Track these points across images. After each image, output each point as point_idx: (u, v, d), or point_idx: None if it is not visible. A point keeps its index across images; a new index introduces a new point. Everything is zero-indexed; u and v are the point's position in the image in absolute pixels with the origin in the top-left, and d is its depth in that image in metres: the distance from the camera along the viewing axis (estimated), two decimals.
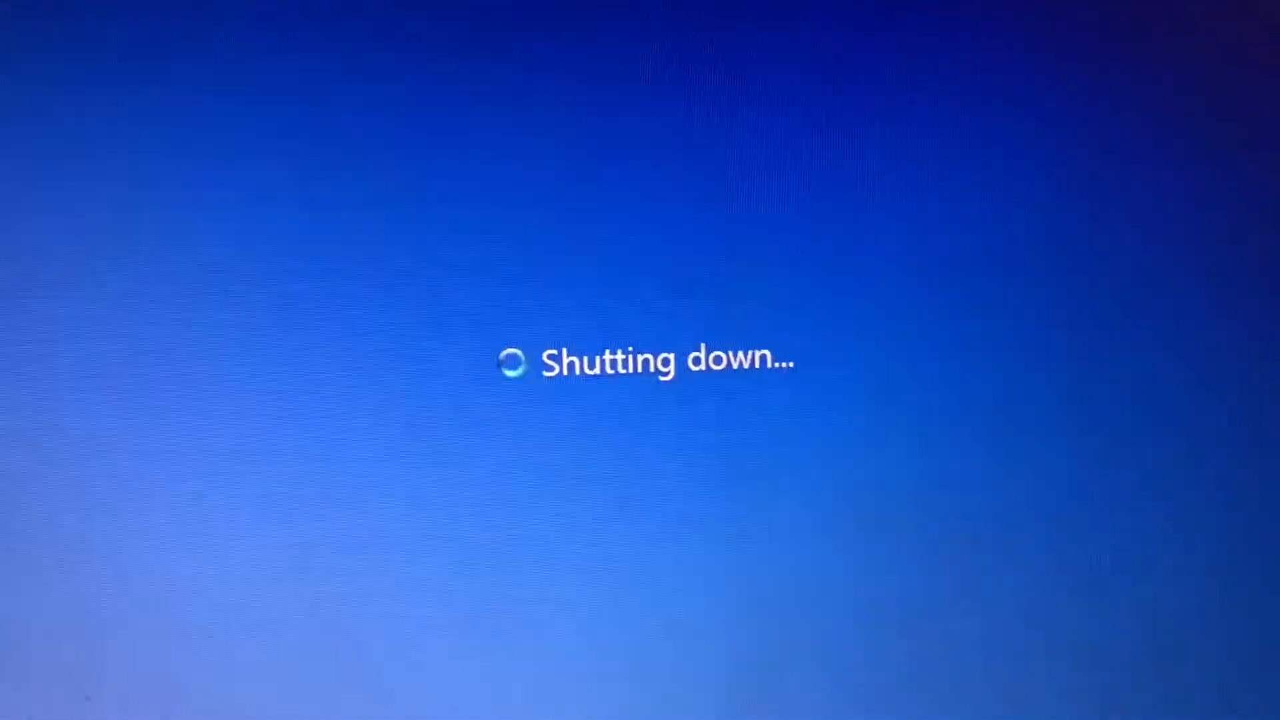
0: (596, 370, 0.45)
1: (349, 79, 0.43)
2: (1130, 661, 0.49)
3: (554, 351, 0.45)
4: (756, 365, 0.46)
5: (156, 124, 0.43)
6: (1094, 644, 0.49)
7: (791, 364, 0.46)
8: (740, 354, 0.46)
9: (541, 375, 0.45)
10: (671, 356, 0.45)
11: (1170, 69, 0.47)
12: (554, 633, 0.46)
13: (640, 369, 0.45)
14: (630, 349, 0.45)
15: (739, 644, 0.47)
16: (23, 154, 0.42)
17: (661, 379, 0.46)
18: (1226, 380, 0.48)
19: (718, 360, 0.46)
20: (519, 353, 0.45)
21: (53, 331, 0.43)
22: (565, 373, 0.45)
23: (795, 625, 0.47)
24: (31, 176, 0.42)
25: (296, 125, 0.43)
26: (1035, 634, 0.48)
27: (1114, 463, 0.48)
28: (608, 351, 0.45)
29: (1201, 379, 0.48)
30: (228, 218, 0.43)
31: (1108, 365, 0.48)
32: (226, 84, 0.43)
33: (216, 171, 0.43)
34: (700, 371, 0.46)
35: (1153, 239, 0.47)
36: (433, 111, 0.44)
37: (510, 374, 0.45)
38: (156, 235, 0.43)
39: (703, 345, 0.46)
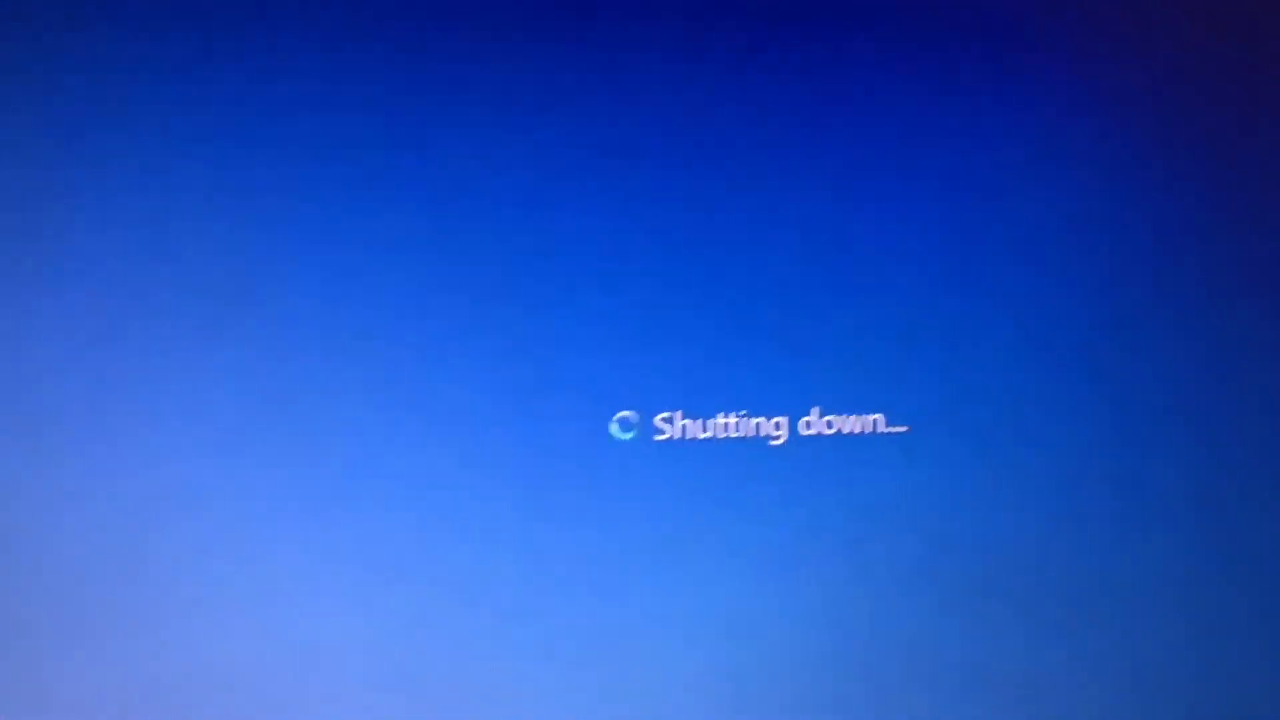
0: (708, 433, 0.45)
1: (460, 149, 0.45)
2: None
3: (667, 415, 0.45)
4: (870, 430, 0.45)
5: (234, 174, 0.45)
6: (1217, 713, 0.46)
7: (906, 428, 0.45)
8: (853, 418, 0.45)
9: (653, 439, 0.45)
10: (783, 420, 0.45)
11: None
12: (665, 697, 0.46)
13: (752, 432, 0.45)
14: (743, 412, 0.45)
15: (848, 710, 0.46)
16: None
17: (772, 443, 0.46)
18: None
19: (829, 425, 0.45)
20: (632, 415, 0.45)
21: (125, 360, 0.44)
22: (678, 435, 0.45)
23: (909, 692, 0.46)
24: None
25: (408, 188, 0.45)
26: (1152, 704, 0.46)
27: (1235, 535, 0.46)
28: (720, 415, 0.45)
29: None
30: (336, 276, 0.45)
31: (1225, 435, 0.46)
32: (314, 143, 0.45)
33: (324, 236, 0.45)
34: (811, 435, 0.45)
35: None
36: (545, 175, 0.45)
37: (623, 436, 0.45)
38: (259, 294, 0.45)
39: (815, 409, 0.45)
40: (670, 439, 0.45)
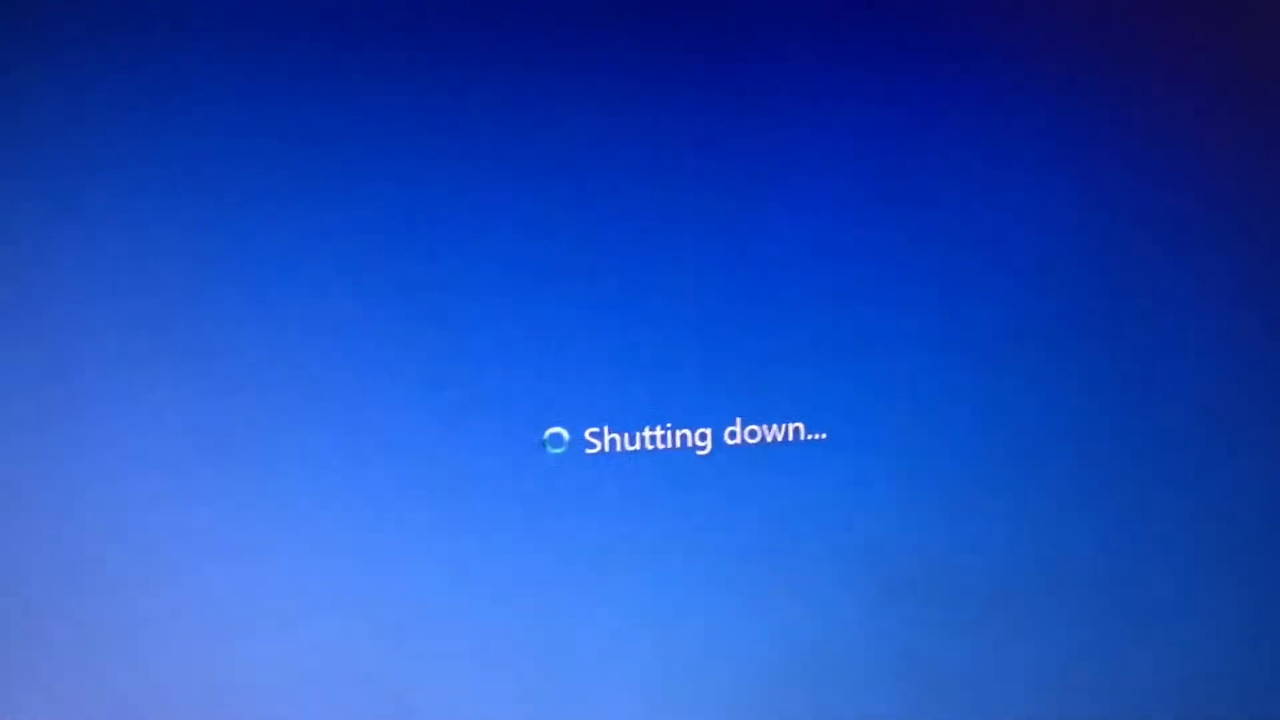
0: (636, 446, 0.47)
1: (400, 162, 0.46)
2: None
3: (596, 429, 0.47)
4: (791, 438, 0.47)
5: (207, 184, 0.45)
6: (1131, 701, 0.49)
7: (824, 435, 0.47)
8: (774, 427, 0.47)
9: (584, 452, 0.47)
10: (709, 431, 0.47)
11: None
12: (599, 707, 0.47)
13: (679, 444, 0.47)
14: (669, 424, 0.47)
15: (778, 714, 0.48)
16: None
17: (699, 453, 0.47)
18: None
19: (752, 434, 0.47)
20: (563, 431, 0.47)
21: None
22: (607, 449, 0.47)
23: (832, 694, 0.48)
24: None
25: (350, 207, 0.46)
26: (1073, 697, 0.49)
27: (1147, 532, 0.49)
28: (647, 427, 0.47)
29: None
30: (273, 300, 0.45)
31: (1143, 439, 0.49)
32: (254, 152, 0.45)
33: (269, 254, 0.45)
34: (736, 445, 0.47)
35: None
36: (470, 193, 0.46)
37: (554, 451, 0.47)
38: (212, 311, 0.45)
39: (738, 419, 0.47)
40: (600, 452, 0.47)
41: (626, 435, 0.47)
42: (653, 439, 0.47)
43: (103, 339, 0.44)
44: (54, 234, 0.44)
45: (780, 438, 0.47)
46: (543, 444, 0.47)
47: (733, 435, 0.47)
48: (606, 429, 0.47)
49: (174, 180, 0.44)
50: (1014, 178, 0.49)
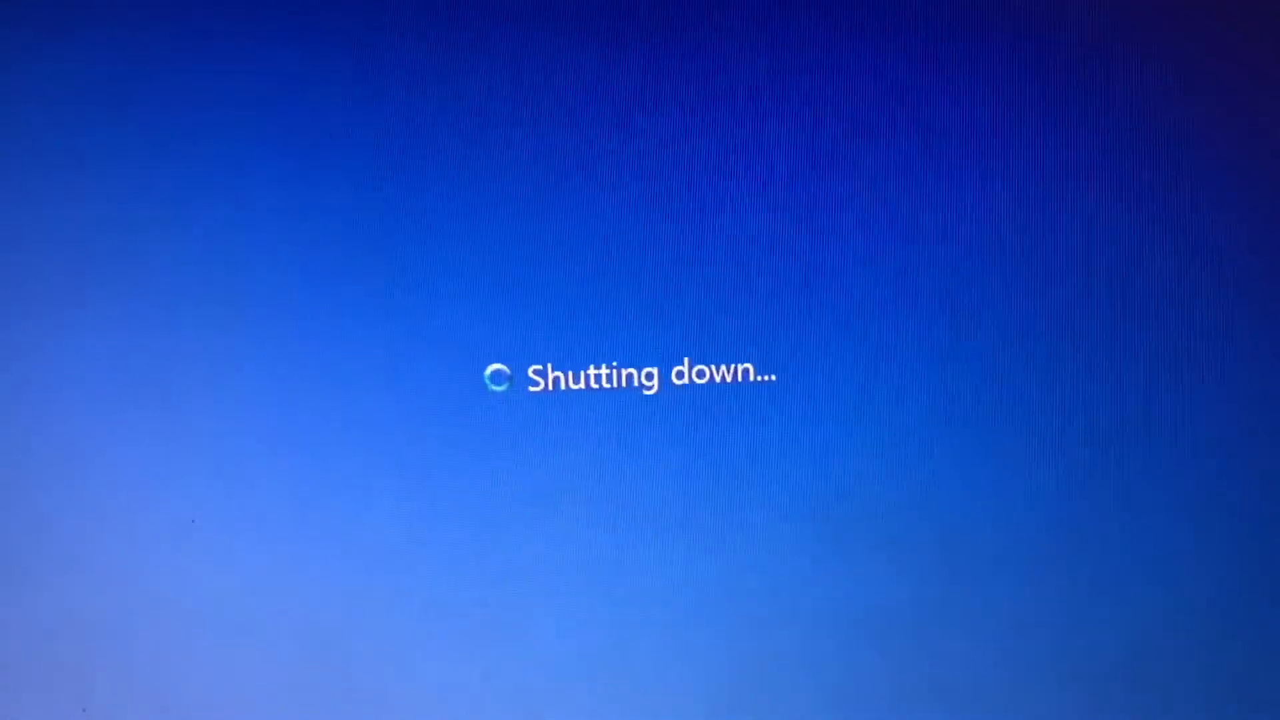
0: (581, 385, 0.46)
1: (338, 98, 0.44)
2: (1112, 671, 0.49)
3: (539, 366, 0.46)
4: (739, 379, 0.46)
5: (150, 131, 0.43)
6: (1078, 654, 0.49)
7: (773, 377, 0.46)
8: (723, 368, 0.46)
9: (527, 390, 0.46)
10: (655, 370, 0.46)
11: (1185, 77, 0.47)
12: (541, 644, 0.47)
13: (624, 383, 0.46)
14: (614, 363, 0.46)
15: (722, 654, 0.48)
16: (23, 161, 0.43)
17: (645, 393, 0.46)
18: (1212, 377, 0.48)
19: (700, 374, 0.46)
20: (504, 368, 0.46)
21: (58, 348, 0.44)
22: (550, 387, 0.46)
23: (778, 636, 0.48)
24: (30, 183, 0.43)
25: (286, 137, 0.44)
26: (1019, 644, 0.49)
27: (1099, 473, 0.48)
28: (592, 366, 0.46)
29: (1188, 381, 0.48)
30: (216, 231, 0.44)
31: (1091, 371, 0.48)
32: (218, 92, 0.43)
33: (208, 183, 0.44)
34: (683, 385, 0.46)
35: (1135, 228, 0.48)
36: (419, 125, 0.44)
37: (496, 389, 0.46)
38: (145, 246, 0.44)
39: (685, 359, 0.46)
40: (544, 390, 0.46)
41: (571, 374, 0.46)
42: (598, 378, 0.46)
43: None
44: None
45: (729, 378, 0.46)
46: (484, 381, 0.46)
47: (680, 375, 0.46)
48: (550, 366, 0.46)
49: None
50: (970, 111, 0.47)
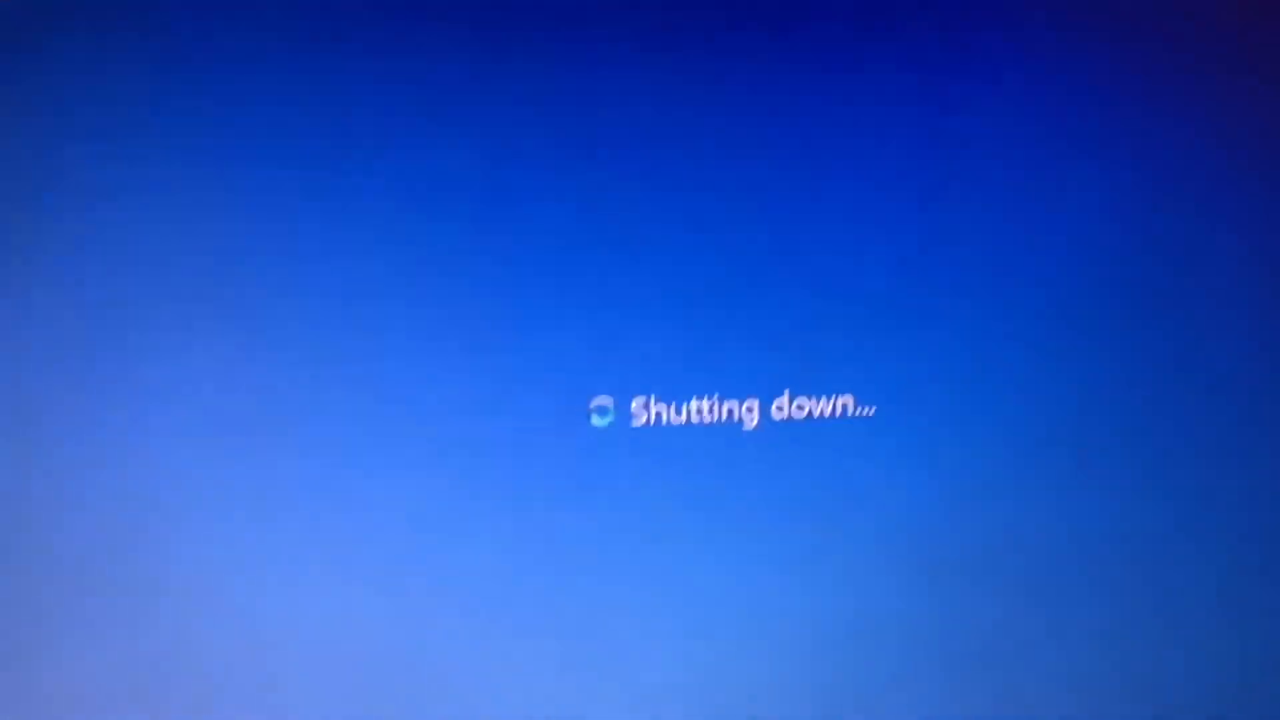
0: (683, 418, 0.46)
1: (430, 130, 0.46)
2: (1210, 706, 0.48)
3: (642, 399, 0.46)
4: (838, 412, 0.47)
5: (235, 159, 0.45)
6: (1169, 686, 0.48)
7: (873, 409, 0.47)
8: (823, 400, 0.47)
9: (629, 424, 0.46)
10: (755, 403, 0.47)
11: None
12: (639, 679, 0.47)
13: (725, 417, 0.47)
14: (716, 395, 0.47)
15: (817, 692, 0.47)
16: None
17: (745, 428, 0.47)
18: None
19: (800, 408, 0.47)
20: (608, 402, 0.46)
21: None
22: (652, 421, 0.46)
23: (869, 676, 0.47)
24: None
25: (382, 175, 0.46)
26: (1112, 680, 0.48)
27: (1196, 521, 0.48)
28: (694, 399, 0.46)
29: None
30: (315, 259, 0.45)
31: (1194, 425, 0.48)
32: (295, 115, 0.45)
33: (287, 221, 0.45)
34: (783, 420, 0.47)
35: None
36: (512, 164, 0.46)
37: (599, 422, 0.46)
38: (244, 275, 0.45)
39: (786, 391, 0.47)
40: (646, 424, 0.46)
41: (673, 406, 0.46)
42: (699, 411, 0.46)
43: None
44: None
45: (828, 412, 0.47)
46: (588, 415, 0.46)
47: (780, 409, 0.47)
48: (652, 400, 0.46)
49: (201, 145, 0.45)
50: (1074, 159, 0.48)
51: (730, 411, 0.47)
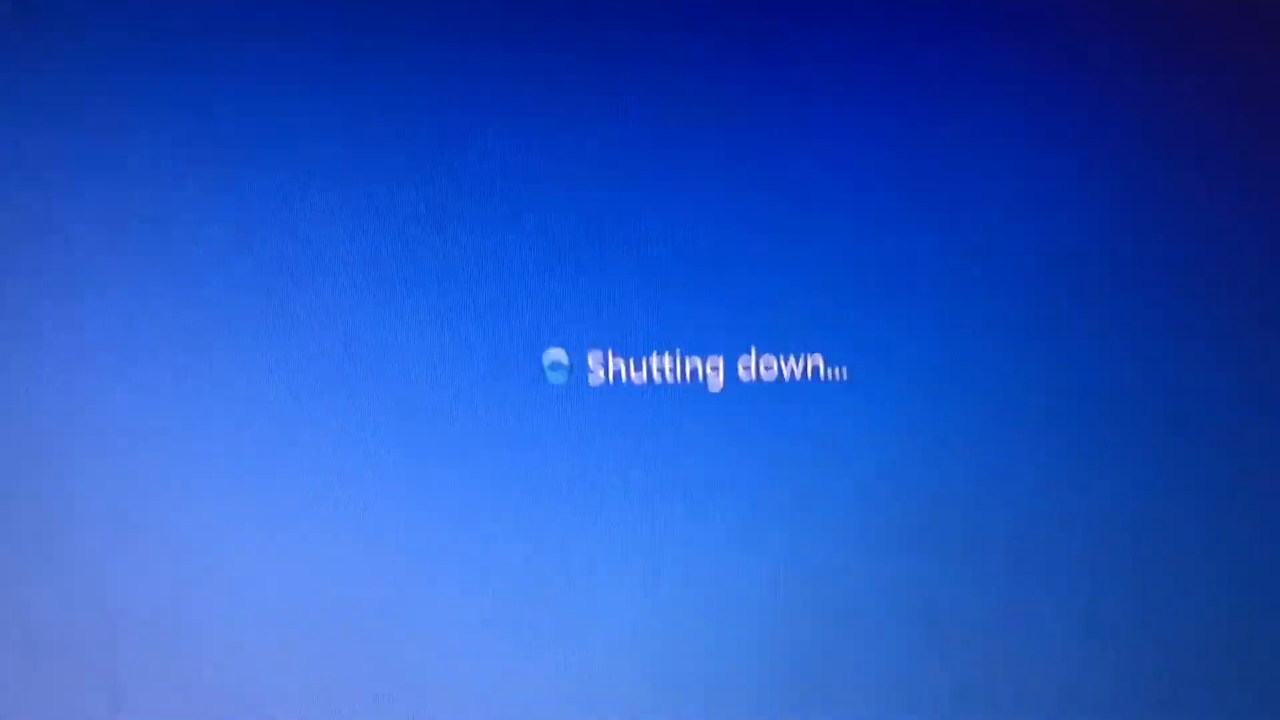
0: (643, 375, 0.44)
1: (380, 68, 0.43)
2: (1179, 676, 0.46)
3: (599, 354, 0.44)
4: (809, 374, 0.44)
5: (164, 121, 0.43)
6: (1144, 659, 0.46)
7: (844, 369, 0.44)
8: (791, 359, 0.44)
9: (587, 381, 0.44)
10: (720, 361, 0.44)
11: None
12: (594, 642, 0.44)
13: (688, 376, 0.44)
14: (678, 351, 0.44)
15: (781, 654, 0.45)
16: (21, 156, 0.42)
17: (710, 382, 0.44)
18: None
19: (768, 366, 0.44)
20: (564, 358, 0.44)
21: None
22: (610, 380, 0.44)
23: (837, 638, 0.45)
24: (35, 180, 0.42)
25: (327, 116, 0.43)
26: (1086, 647, 0.45)
27: (1174, 487, 0.46)
28: (654, 354, 0.44)
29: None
30: (260, 216, 0.43)
31: (1173, 376, 0.46)
32: (252, 71, 0.43)
33: (242, 167, 0.43)
34: (750, 378, 0.44)
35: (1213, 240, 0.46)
36: (470, 113, 0.44)
37: (555, 379, 0.44)
38: (164, 233, 0.43)
39: (752, 349, 0.44)
40: (604, 382, 0.44)
41: (632, 361, 0.44)
42: (660, 369, 0.44)
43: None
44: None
45: (797, 372, 0.44)
46: (543, 371, 0.44)
47: (747, 368, 0.44)
48: (610, 354, 0.44)
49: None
50: (1057, 124, 0.46)
51: (695, 370, 0.44)
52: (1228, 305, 0.46)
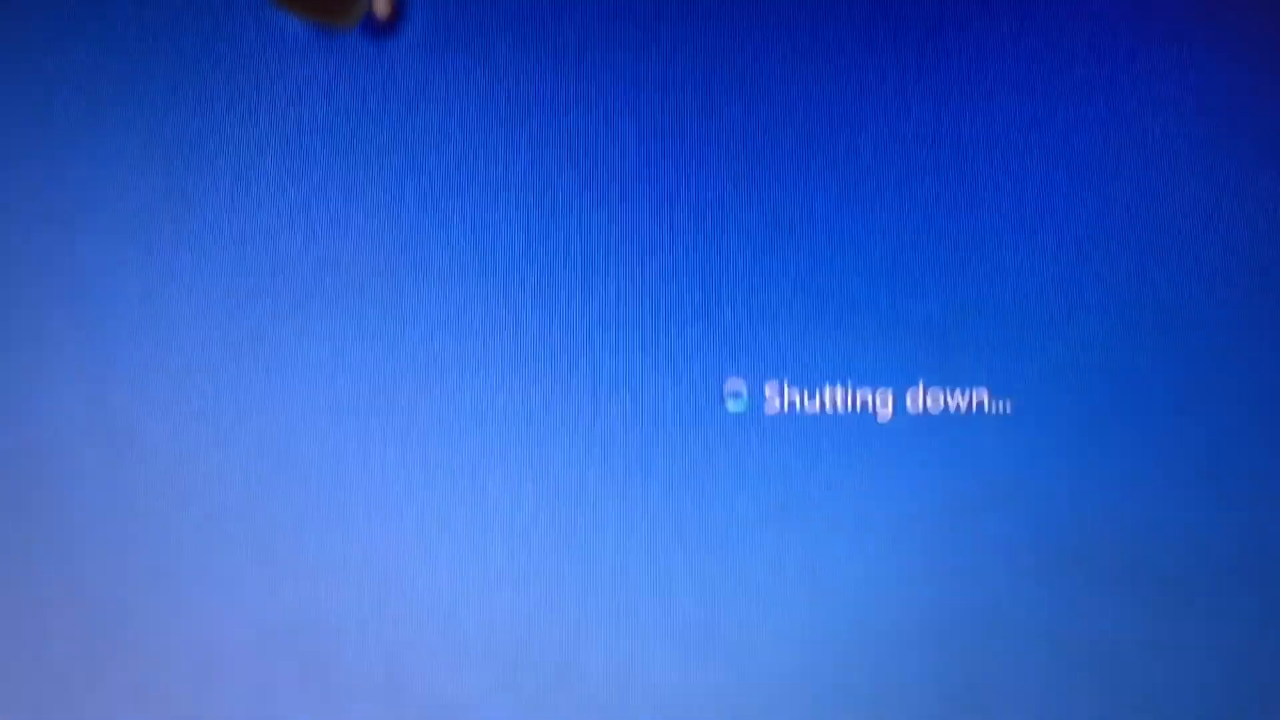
0: (816, 406, 0.47)
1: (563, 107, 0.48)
2: None
3: (775, 383, 0.47)
4: (974, 406, 0.47)
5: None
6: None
7: (1010, 403, 0.46)
8: (958, 392, 0.47)
9: (763, 410, 0.47)
10: (890, 393, 0.47)
11: None
12: (765, 662, 0.46)
13: (859, 407, 0.47)
14: (849, 383, 0.47)
15: (941, 678, 0.46)
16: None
17: (880, 413, 0.47)
18: None
19: (935, 399, 0.47)
20: (742, 387, 0.47)
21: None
22: (785, 409, 0.47)
23: (991, 662, 0.46)
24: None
25: (504, 170, 0.48)
26: (1236, 681, 0.46)
27: None
28: (828, 386, 0.47)
29: None
30: (435, 279, 0.48)
31: None
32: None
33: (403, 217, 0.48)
34: (917, 410, 0.47)
35: None
36: (651, 141, 0.48)
37: (733, 407, 0.47)
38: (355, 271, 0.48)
39: (920, 382, 0.47)
40: (780, 411, 0.47)
41: (806, 392, 0.47)
42: (833, 400, 0.47)
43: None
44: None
45: (964, 405, 0.47)
46: (723, 399, 0.47)
47: (915, 399, 0.47)
48: (786, 384, 0.47)
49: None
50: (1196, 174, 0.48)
51: (866, 402, 0.47)
52: None
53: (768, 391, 0.47)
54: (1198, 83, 0.48)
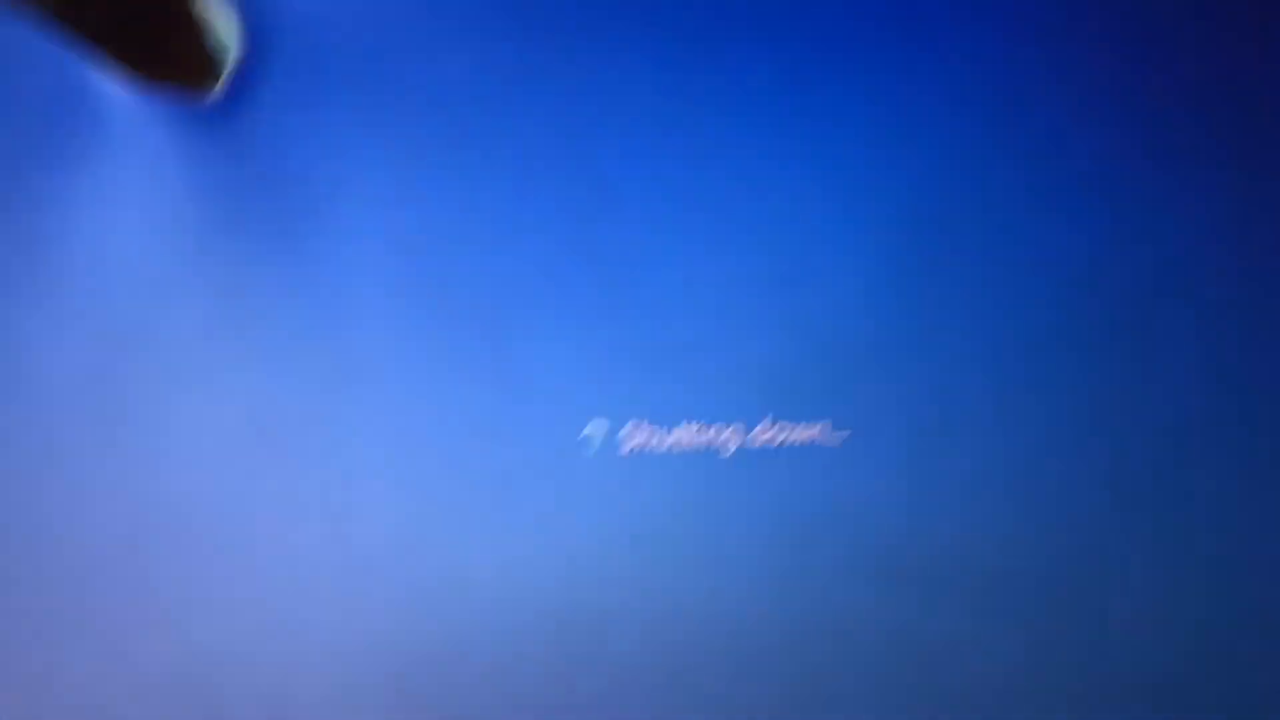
0: (672, 439, 0.49)
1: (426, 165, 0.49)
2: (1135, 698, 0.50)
3: (631, 425, 0.49)
4: (815, 437, 0.49)
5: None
6: (1110, 693, 0.50)
7: (847, 433, 0.50)
8: (801, 425, 0.49)
9: (618, 450, 0.49)
10: (736, 429, 0.49)
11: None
12: (614, 693, 0.49)
13: (708, 442, 0.49)
14: (700, 421, 0.49)
15: (791, 684, 0.49)
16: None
17: (726, 446, 0.49)
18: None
19: (780, 431, 0.49)
20: (599, 427, 0.49)
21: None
22: (638, 446, 0.49)
23: (838, 666, 0.50)
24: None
25: (377, 204, 0.49)
26: (1046, 670, 0.50)
27: (1141, 531, 0.50)
28: (684, 422, 0.49)
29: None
30: (326, 299, 0.49)
31: (1142, 444, 0.50)
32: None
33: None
34: (764, 444, 0.49)
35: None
36: (509, 189, 0.49)
37: (590, 447, 0.49)
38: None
39: (768, 417, 0.49)
40: (634, 449, 0.49)
41: (661, 430, 0.49)
42: (681, 437, 0.49)
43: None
44: None
45: (805, 437, 0.49)
46: (580, 440, 0.49)
47: (762, 432, 0.49)
48: (642, 424, 0.49)
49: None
50: (1037, 192, 0.51)
51: (712, 437, 0.49)
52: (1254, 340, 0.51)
53: (622, 435, 0.49)
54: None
